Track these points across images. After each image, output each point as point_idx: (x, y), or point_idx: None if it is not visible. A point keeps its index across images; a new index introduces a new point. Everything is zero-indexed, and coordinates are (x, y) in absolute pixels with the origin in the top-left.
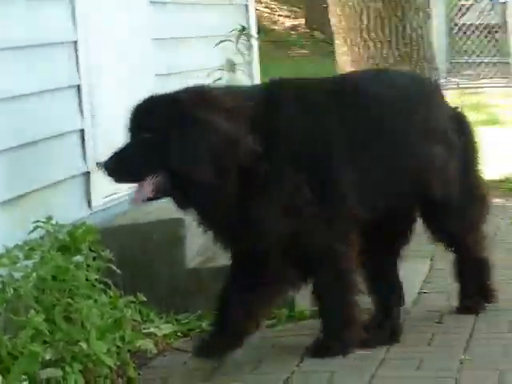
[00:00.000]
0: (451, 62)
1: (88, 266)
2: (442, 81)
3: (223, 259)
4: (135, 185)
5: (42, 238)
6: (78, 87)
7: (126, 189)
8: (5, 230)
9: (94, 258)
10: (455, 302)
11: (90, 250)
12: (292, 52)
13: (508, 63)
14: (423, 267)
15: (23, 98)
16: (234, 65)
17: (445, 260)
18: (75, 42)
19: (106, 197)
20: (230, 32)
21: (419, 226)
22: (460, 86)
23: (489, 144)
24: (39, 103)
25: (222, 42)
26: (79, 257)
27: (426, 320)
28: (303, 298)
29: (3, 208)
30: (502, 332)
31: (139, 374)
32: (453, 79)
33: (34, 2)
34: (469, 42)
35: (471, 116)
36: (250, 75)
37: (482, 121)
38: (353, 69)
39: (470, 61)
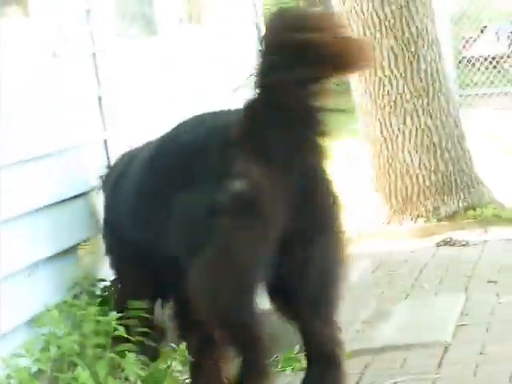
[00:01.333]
0: (460, 95)
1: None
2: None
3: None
4: None
5: (79, 294)
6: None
7: None
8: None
9: None
10: (496, 332)
11: None
12: None
13: None
14: (459, 300)
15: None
16: None
17: (480, 291)
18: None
19: None
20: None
21: (452, 264)
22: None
23: (508, 173)
24: None
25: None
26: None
27: (468, 352)
28: (343, 339)
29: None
30: None
31: None
32: (465, 111)
33: None
34: (478, 74)
35: (487, 147)
36: None
37: (499, 150)
38: (371, 106)
39: (479, 93)
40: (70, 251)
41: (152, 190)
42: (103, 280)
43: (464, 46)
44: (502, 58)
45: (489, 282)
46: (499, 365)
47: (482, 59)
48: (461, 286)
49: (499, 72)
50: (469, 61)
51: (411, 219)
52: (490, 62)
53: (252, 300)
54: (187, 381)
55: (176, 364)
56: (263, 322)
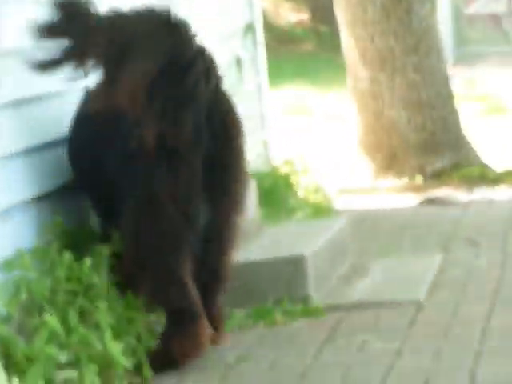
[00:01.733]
0: (457, 54)
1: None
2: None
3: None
4: None
5: (52, 240)
6: None
7: None
8: (18, 233)
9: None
10: (470, 293)
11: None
12: (296, 47)
13: None
14: (436, 259)
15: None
16: (241, 61)
17: (459, 251)
18: None
19: None
20: (235, 28)
21: (434, 223)
22: (467, 75)
23: (496, 133)
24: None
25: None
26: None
27: (440, 312)
28: (318, 294)
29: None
30: None
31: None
32: (460, 69)
33: None
34: (475, 32)
35: (480, 106)
36: (256, 72)
37: (490, 110)
38: (360, 62)
39: (476, 51)
40: (45, 197)
41: None
42: (76, 227)
43: (466, 3)
44: (501, 17)
45: (468, 242)
46: (470, 326)
47: (481, 17)
48: (440, 246)
49: (498, 31)
50: (470, 18)
51: (396, 176)
52: (490, 21)
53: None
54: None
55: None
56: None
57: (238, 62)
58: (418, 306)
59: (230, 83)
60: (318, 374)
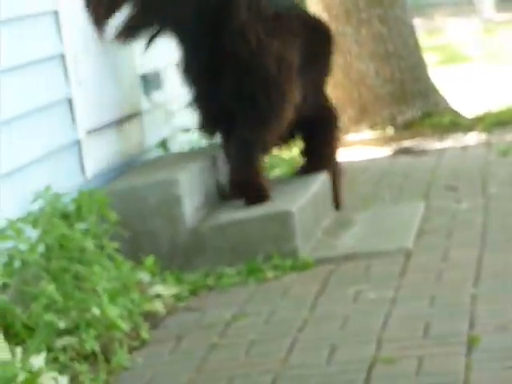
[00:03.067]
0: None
1: (94, 232)
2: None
3: (222, 215)
4: None
5: (42, 208)
6: (63, 56)
7: (118, 155)
8: (4, 203)
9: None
10: (457, 238)
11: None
12: None
13: (470, 0)
14: (419, 208)
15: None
16: None
17: (440, 198)
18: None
19: (98, 163)
20: None
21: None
22: (423, 27)
23: (458, 82)
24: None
25: None
26: (82, 224)
27: (430, 258)
28: (306, 248)
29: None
30: (509, 263)
31: (153, 336)
32: (417, 20)
33: None
34: None
35: (439, 56)
36: None
37: (448, 59)
38: (325, 16)
39: (431, 2)
40: (34, 164)
41: None
42: (66, 193)
43: None
44: None
45: (448, 188)
46: (462, 270)
47: None
48: (420, 194)
49: None
50: None
51: (368, 129)
52: None
53: None
54: (153, 292)
55: (144, 276)
56: None
57: None
58: (407, 254)
59: None
60: (316, 326)
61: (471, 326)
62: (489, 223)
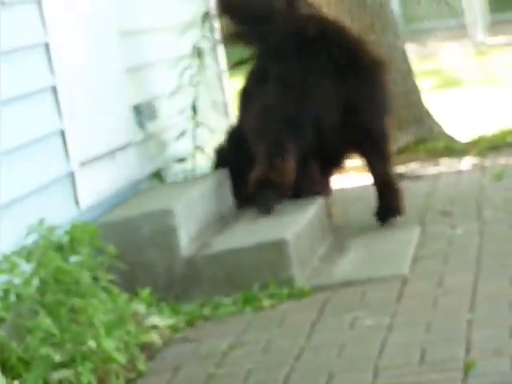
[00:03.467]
0: (407, 31)
1: (90, 264)
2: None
3: (217, 245)
4: None
5: (36, 241)
6: (54, 88)
7: (112, 185)
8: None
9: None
10: (453, 263)
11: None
12: None
13: (462, 25)
14: (414, 233)
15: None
16: (201, 51)
17: (435, 223)
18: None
19: (92, 195)
20: (192, 19)
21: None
22: (415, 52)
23: (453, 106)
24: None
25: (186, 28)
26: (76, 256)
27: (426, 284)
28: (302, 276)
29: None
30: (504, 288)
31: (149, 367)
32: (411, 46)
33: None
34: (421, 9)
35: (432, 81)
36: (216, 59)
37: (442, 84)
38: None
39: (423, 27)
40: (27, 197)
41: None
42: (60, 226)
43: None
44: None
45: (443, 214)
46: (458, 296)
47: None
48: (416, 219)
49: (443, 5)
50: None
51: None
52: None
53: None
54: (150, 323)
55: (140, 308)
56: None
57: (199, 51)
58: (403, 280)
59: (192, 73)
60: (313, 354)
61: (467, 351)
62: (484, 248)
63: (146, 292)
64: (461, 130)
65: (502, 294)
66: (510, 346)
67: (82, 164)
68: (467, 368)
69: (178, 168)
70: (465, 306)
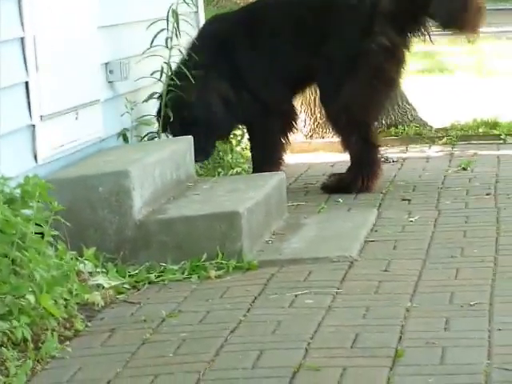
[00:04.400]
0: None
1: (36, 218)
2: None
3: (171, 211)
4: None
5: None
6: (22, 39)
7: (72, 141)
8: None
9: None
10: (402, 250)
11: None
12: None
13: None
14: (370, 216)
15: None
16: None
17: (393, 209)
18: None
19: (52, 150)
20: None
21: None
22: None
23: (436, 92)
24: None
25: None
26: (27, 210)
27: (372, 268)
28: (251, 250)
29: None
30: (449, 279)
31: (87, 327)
32: None
33: None
34: None
35: (417, 65)
36: (197, 25)
37: (430, 69)
38: None
39: None
40: None
41: None
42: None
43: None
44: None
45: (403, 199)
46: (401, 283)
47: None
48: (375, 203)
49: None
50: None
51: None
52: None
53: None
54: (94, 283)
55: (86, 267)
56: None
57: (175, 14)
58: (351, 263)
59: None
60: (249, 328)
61: (400, 339)
62: (436, 237)
63: (90, 251)
64: (436, 116)
65: (445, 286)
66: (443, 338)
67: (44, 117)
68: (396, 356)
69: (144, 130)
70: (406, 294)
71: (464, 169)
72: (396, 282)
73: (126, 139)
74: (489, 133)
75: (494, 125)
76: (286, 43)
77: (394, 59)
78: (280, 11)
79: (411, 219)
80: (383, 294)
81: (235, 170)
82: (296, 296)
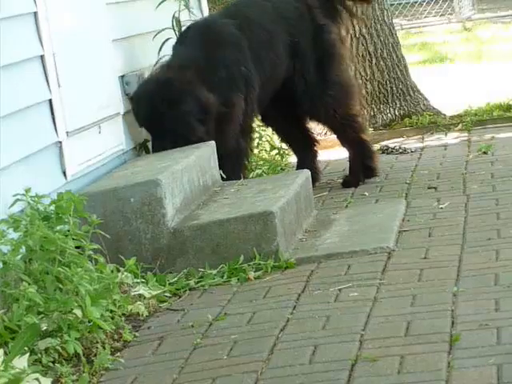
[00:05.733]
0: (392, 4)
1: (74, 234)
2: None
3: (203, 216)
4: None
5: (22, 210)
6: (42, 57)
7: (97, 155)
8: None
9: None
10: (438, 237)
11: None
12: None
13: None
14: (399, 206)
15: None
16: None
17: (420, 197)
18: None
19: (79, 165)
20: None
21: (391, 172)
22: (403, 27)
23: (441, 81)
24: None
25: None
26: (63, 226)
27: (411, 257)
28: (287, 248)
29: None
30: (490, 261)
31: (135, 337)
32: (395, 21)
33: None
34: None
35: (420, 56)
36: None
37: (430, 59)
38: None
39: (411, 1)
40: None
41: None
42: (46, 195)
43: None
44: None
45: (429, 188)
46: (443, 269)
47: None
48: (401, 193)
49: None
50: None
51: None
52: None
53: None
54: (136, 294)
55: (126, 277)
56: None
57: (178, 22)
58: (389, 253)
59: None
60: (298, 325)
61: (453, 324)
62: (469, 222)
63: (131, 261)
64: (447, 104)
65: (487, 268)
66: (495, 319)
67: (69, 134)
68: (452, 341)
69: None
70: (450, 280)
71: (485, 153)
72: (438, 269)
73: (147, 150)
74: (503, 115)
75: (508, 107)
76: None
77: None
78: None
79: (441, 206)
80: (427, 281)
81: (256, 173)
82: (340, 290)
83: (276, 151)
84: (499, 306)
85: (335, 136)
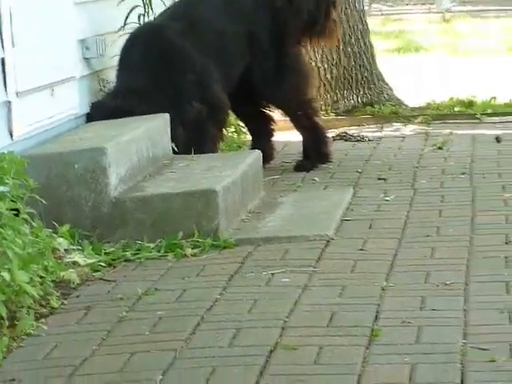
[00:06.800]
0: None
1: (12, 196)
2: (365, 7)
3: (147, 189)
4: None
5: None
6: None
7: (47, 118)
8: None
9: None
10: (378, 229)
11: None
12: None
13: None
14: (346, 195)
15: None
16: None
17: (368, 188)
18: None
19: (27, 126)
20: None
21: (345, 159)
22: (383, 13)
23: (412, 71)
24: None
25: None
26: (2, 187)
27: (348, 247)
28: (228, 228)
29: None
30: (425, 258)
31: (63, 304)
32: (376, 5)
33: None
34: None
35: (395, 43)
36: (172, 0)
37: (405, 48)
38: None
39: None
40: None
41: None
42: None
43: None
44: None
45: (378, 178)
46: (377, 262)
47: None
48: (350, 182)
49: None
50: None
51: None
52: None
53: None
54: (70, 260)
55: (62, 244)
56: None
57: None
58: (327, 242)
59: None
60: (226, 307)
61: (376, 318)
62: (411, 216)
63: (65, 227)
64: (412, 95)
65: (420, 265)
66: (418, 318)
67: (20, 94)
68: (372, 335)
69: None
70: (381, 273)
71: (440, 148)
72: (372, 261)
73: None
74: (464, 112)
75: (470, 104)
76: None
77: None
78: None
79: (387, 198)
80: (359, 272)
81: None
82: (272, 275)
83: (233, 128)
84: (425, 305)
85: (289, 120)
